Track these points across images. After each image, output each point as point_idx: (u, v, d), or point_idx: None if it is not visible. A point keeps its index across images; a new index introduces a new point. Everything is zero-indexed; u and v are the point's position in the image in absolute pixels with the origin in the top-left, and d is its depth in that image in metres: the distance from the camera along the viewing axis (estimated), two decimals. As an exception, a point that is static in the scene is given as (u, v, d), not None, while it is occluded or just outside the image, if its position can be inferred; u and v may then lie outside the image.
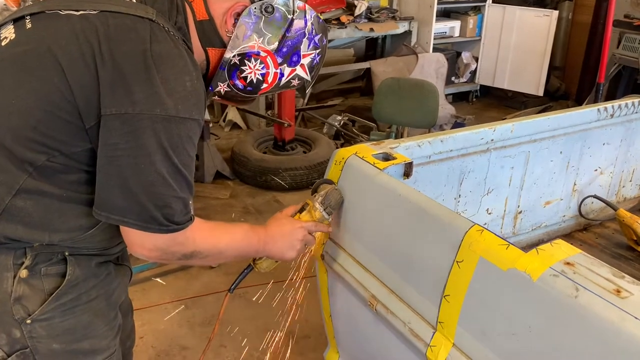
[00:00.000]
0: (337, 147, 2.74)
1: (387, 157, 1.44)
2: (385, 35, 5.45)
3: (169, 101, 0.97)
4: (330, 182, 1.42)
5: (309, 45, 1.21)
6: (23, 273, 1.05)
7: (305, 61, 1.22)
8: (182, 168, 1.02)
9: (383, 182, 1.33)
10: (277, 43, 1.16)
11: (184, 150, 1.02)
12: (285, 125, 4.01)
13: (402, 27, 5.19)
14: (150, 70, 0.97)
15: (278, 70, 1.19)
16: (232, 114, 4.94)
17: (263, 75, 1.18)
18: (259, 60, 1.16)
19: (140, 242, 1.04)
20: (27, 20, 1.06)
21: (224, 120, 5.02)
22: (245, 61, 1.15)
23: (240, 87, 1.19)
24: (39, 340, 1.10)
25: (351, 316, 1.53)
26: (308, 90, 1.29)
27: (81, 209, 1.06)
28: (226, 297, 1.38)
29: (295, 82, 1.24)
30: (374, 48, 5.76)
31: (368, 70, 5.07)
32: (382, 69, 4.92)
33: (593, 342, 0.88)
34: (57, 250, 1.08)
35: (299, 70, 1.22)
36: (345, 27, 4.85)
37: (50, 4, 1.06)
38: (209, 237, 1.14)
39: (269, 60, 1.17)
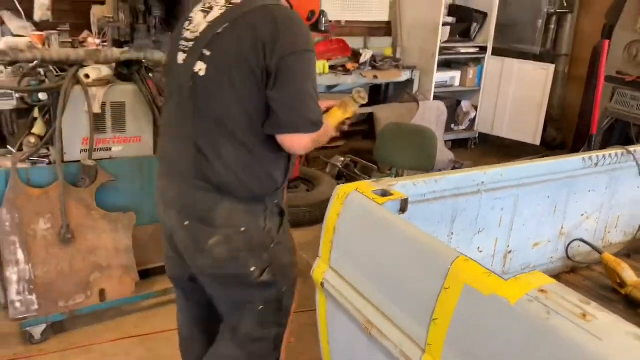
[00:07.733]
0: (339, 186, 2.86)
1: (385, 194, 1.57)
2: (389, 83, 5.65)
3: (303, 40, 1.52)
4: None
5: None
6: (268, 213, 1.65)
7: None
8: (315, 89, 1.54)
9: (381, 215, 1.46)
10: None
11: (314, 77, 1.55)
12: (290, 164, 4.14)
13: (404, 76, 5.39)
14: (292, 27, 1.52)
15: None
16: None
17: None
18: None
19: (300, 141, 1.55)
20: (205, 51, 1.54)
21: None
22: None
23: None
24: (276, 258, 1.67)
25: (348, 342, 1.63)
26: None
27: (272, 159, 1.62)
28: None
29: None
30: (377, 94, 5.97)
31: (371, 114, 5.24)
32: (385, 114, 5.09)
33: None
34: (274, 202, 1.68)
35: None
36: (351, 74, 5.06)
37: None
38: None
39: None
